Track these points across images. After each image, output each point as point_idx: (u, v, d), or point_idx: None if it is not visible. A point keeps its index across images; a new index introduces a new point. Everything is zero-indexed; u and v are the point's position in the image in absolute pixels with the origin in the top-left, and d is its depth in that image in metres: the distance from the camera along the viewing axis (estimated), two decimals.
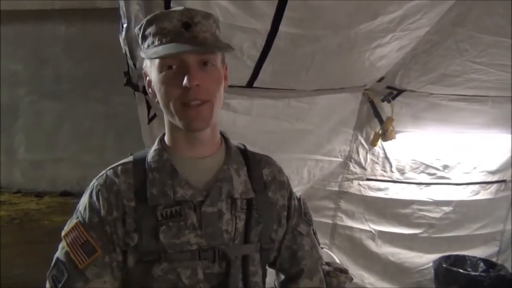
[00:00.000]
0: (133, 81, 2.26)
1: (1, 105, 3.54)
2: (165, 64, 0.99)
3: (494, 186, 3.25)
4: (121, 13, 1.88)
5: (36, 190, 3.68)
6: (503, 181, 3.25)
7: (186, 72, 0.97)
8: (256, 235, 1.11)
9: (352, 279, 2.92)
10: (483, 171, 3.18)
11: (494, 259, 3.38)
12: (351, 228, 3.16)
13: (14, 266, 2.48)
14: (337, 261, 2.99)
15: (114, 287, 1.05)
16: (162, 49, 0.97)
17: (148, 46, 1.01)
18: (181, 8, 1.01)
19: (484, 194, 3.24)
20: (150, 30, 1.00)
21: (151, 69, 1.05)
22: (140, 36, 1.04)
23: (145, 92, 2.35)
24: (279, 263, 1.23)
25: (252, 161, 1.17)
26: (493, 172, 3.20)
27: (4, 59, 3.50)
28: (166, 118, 1.08)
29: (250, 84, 2.26)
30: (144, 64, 1.08)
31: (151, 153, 1.11)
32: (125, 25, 1.92)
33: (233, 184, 1.09)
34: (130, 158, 1.12)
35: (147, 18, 1.01)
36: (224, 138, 1.17)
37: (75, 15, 3.84)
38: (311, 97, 2.49)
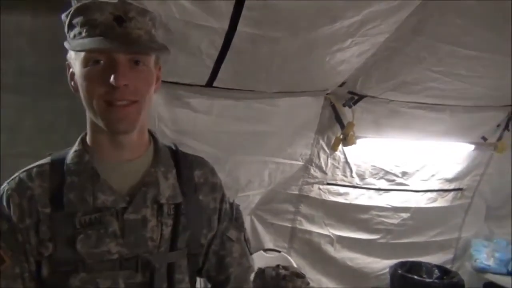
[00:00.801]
0: None
1: None
2: (91, 58, 0.92)
3: (451, 194, 3.31)
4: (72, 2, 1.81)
5: None
6: (460, 189, 3.32)
7: (114, 69, 0.90)
8: (183, 241, 1.06)
9: (308, 283, 2.92)
10: (440, 179, 3.23)
11: (448, 266, 3.44)
12: (310, 232, 3.15)
13: None
14: (294, 265, 2.99)
15: None
16: (89, 42, 0.90)
17: (74, 36, 0.94)
18: (115, 0, 0.94)
19: (441, 202, 3.29)
20: (78, 19, 0.93)
21: (75, 62, 0.97)
22: (66, 24, 0.96)
23: None
24: (206, 269, 1.18)
25: (182, 163, 1.11)
26: (450, 180, 3.26)
27: None
28: (88, 116, 1.01)
29: (209, 84, 2.22)
30: (69, 55, 1.00)
31: (70, 154, 1.03)
32: None
33: (160, 189, 1.03)
34: (48, 159, 1.04)
35: (76, 5, 0.94)
36: (153, 138, 1.11)
37: (41, 6, 3.70)
38: (273, 99, 2.47)
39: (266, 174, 2.84)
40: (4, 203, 0.97)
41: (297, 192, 3.06)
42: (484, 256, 3.29)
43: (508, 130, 3.07)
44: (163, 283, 1.01)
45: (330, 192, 3.07)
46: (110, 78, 0.90)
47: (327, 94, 2.68)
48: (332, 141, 2.88)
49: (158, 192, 1.02)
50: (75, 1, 1.78)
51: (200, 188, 1.12)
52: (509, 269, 3.23)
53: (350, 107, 2.69)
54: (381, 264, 3.33)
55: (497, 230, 3.52)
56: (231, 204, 1.21)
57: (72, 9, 0.95)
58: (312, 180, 3.02)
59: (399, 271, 3.15)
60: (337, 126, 2.84)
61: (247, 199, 2.83)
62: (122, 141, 1.00)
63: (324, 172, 3.00)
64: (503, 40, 2.06)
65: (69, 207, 0.96)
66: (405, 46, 2.17)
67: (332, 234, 3.17)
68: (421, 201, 3.24)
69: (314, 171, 2.99)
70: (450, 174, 3.24)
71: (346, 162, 3.00)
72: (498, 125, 3.09)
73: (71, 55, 0.99)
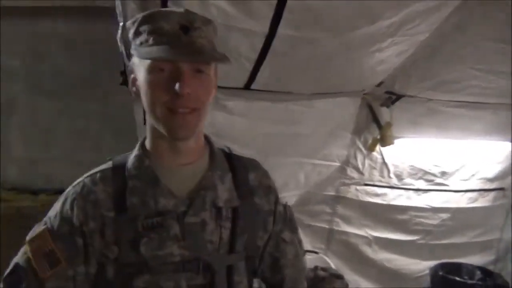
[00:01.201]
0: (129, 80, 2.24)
1: None
2: (157, 66, 0.94)
3: (492, 193, 3.23)
4: (118, 11, 1.86)
5: (32, 188, 3.65)
6: (501, 189, 3.23)
7: (178, 78, 0.92)
8: (241, 244, 1.07)
9: (347, 285, 2.91)
10: (481, 179, 3.16)
11: (490, 268, 3.35)
12: (347, 233, 3.14)
13: (8, 264, 2.45)
14: (333, 266, 2.98)
15: None
16: (157, 51, 0.92)
17: (141, 43, 0.95)
18: (181, 9, 0.96)
19: (482, 202, 3.22)
20: (146, 27, 0.95)
21: (139, 68, 0.99)
22: (133, 31, 0.98)
23: None
24: (261, 271, 1.19)
25: (237, 166, 1.13)
26: (491, 180, 3.18)
27: (2, 55, 3.47)
28: (149, 122, 1.03)
29: (247, 86, 2.24)
30: (131, 62, 1.03)
31: (131, 159, 1.05)
32: (121, 24, 1.91)
33: (217, 192, 1.04)
34: (109, 164, 1.07)
35: (144, 14, 0.96)
36: (208, 142, 1.13)
37: (75, 12, 3.81)
38: (309, 101, 2.47)
39: (302, 175, 2.84)
40: (68, 206, 1.01)
41: (333, 193, 3.05)
42: None
43: None
44: (223, 285, 1.03)
45: (367, 193, 3.05)
46: (174, 86, 0.92)
47: (364, 94, 2.67)
48: (369, 142, 2.86)
49: (216, 196, 1.04)
50: (120, 9, 1.84)
51: (255, 191, 1.13)
52: None
53: (388, 107, 2.67)
54: (421, 266, 3.27)
55: None
56: (284, 206, 1.22)
57: (139, 17, 0.97)
58: (348, 181, 3.01)
59: (440, 273, 3.09)
60: (374, 126, 2.82)
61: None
62: (180, 146, 1.02)
63: (361, 173, 2.98)
64: None
65: (132, 211, 0.99)
66: (445, 44, 2.14)
67: (370, 235, 3.15)
68: (461, 201, 3.18)
69: (350, 172, 2.98)
70: (491, 174, 3.17)
71: (384, 162, 2.97)
72: None
73: (135, 61, 1.01)
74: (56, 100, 3.59)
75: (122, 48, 2.10)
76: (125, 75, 2.27)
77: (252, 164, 1.17)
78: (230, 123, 2.36)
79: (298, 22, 1.77)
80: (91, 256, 0.99)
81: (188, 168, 1.05)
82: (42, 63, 3.57)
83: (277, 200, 1.18)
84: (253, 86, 2.23)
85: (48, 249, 0.97)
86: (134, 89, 1.05)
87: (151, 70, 0.95)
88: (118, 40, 2.07)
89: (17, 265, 0.99)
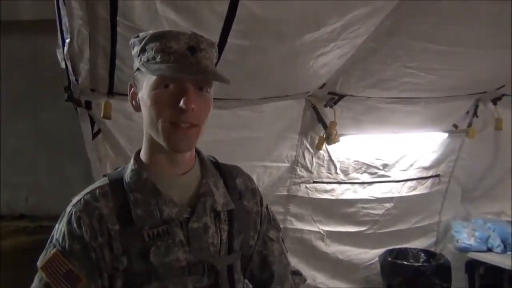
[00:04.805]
0: (75, 96, 2.20)
1: None
2: (163, 82, 0.99)
3: (429, 181, 3.47)
4: (64, 28, 1.83)
5: None
6: (437, 175, 3.48)
7: (183, 94, 0.97)
8: (238, 244, 1.15)
9: (305, 280, 2.98)
10: (419, 168, 3.39)
11: (432, 249, 3.60)
12: (301, 230, 3.25)
13: None
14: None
15: None
16: (166, 68, 0.97)
17: (148, 60, 1.00)
18: (189, 32, 1.02)
19: (421, 189, 3.45)
20: (153, 45, 0.99)
21: (142, 83, 1.03)
22: (139, 47, 1.02)
23: (87, 107, 2.30)
24: (249, 269, 1.25)
25: (225, 173, 1.20)
26: (428, 168, 3.42)
27: None
28: (147, 134, 1.07)
29: None
30: (133, 76, 1.08)
31: (128, 174, 1.08)
32: (67, 40, 1.88)
33: (215, 198, 1.11)
34: (106, 180, 1.09)
35: (153, 32, 1.01)
36: (198, 152, 1.18)
37: (3, 30, 3.65)
38: (257, 106, 2.56)
39: (255, 178, 2.88)
40: (75, 225, 1.02)
41: (285, 193, 3.14)
42: (465, 236, 3.46)
43: (477, 117, 3.26)
44: (226, 284, 1.10)
45: (317, 190, 3.17)
46: (178, 102, 0.97)
47: (308, 96, 2.78)
48: (316, 141, 2.97)
49: (214, 201, 1.11)
50: (66, 26, 1.80)
51: (243, 194, 1.21)
52: (489, 246, 3.41)
53: (331, 107, 2.80)
54: (370, 254, 3.45)
55: (473, 211, 3.72)
56: (267, 207, 1.30)
57: (147, 35, 1.01)
58: (299, 180, 3.11)
59: (389, 259, 3.28)
60: (319, 126, 2.94)
61: None
62: (179, 158, 1.07)
63: (310, 171, 3.10)
64: (471, 34, 2.21)
65: (139, 222, 1.02)
66: (381, 46, 2.28)
67: (322, 230, 3.28)
68: (402, 190, 3.39)
69: (300, 171, 3.08)
70: (427, 162, 3.40)
71: (330, 159, 3.10)
72: (467, 112, 3.27)
73: (137, 76, 1.06)
74: None
75: (67, 64, 2.06)
76: (70, 91, 2.22)
77: (236, 170, 1.25)
78: None
79: (247, 31, 1.84)
80: (103, 270, 1.01)
81: (185, 177, 1.10)
82: None
83: (261, 202, 1.27)
84: None
85: (65, 270, 0.99)
86: (133, 102, 1.09)
87: (156, 86, 1.00)
88: (62, 55, 2.04)
89: None
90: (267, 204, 1.30)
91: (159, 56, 0.99)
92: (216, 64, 1.10)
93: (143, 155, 1.11)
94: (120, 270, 1.01)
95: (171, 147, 1.02)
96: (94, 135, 2.44)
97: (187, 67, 0.98)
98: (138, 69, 1.05)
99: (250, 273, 1.26)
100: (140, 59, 1.02)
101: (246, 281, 1.28)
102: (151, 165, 1.09)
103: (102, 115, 2.23)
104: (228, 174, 1.20)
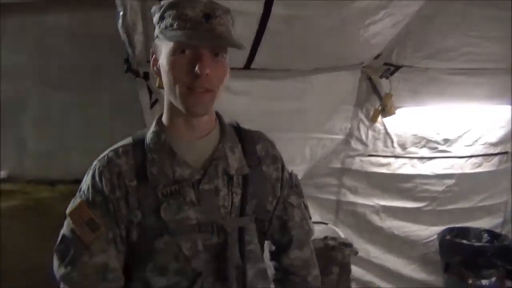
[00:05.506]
0: (133, 67, 2.33)
1: (7, 97, 3.61)
2: (179, 48, 1.04)
3: (497, 158, 3.27)
4: (117, 2, 1.93)
5: (49, 179, 3.77)
6: (505, 152, 3.27)
7: (198, 60, 1.01)
8: (251, 208, 1.18)
9: (357, 252, 3.00)
10: (484, 144, 3.20)
11: (498, 230, 3.42)
12: (355, 203, 3.22)
13: (28, 253, 2.59)
14: (342, 235, 3.07)
15: (117, 259, 1.12)
16: (181, 34, 1.01)
17: (166, 27, 1.05)
18: None
19: (487, 166, 3.26)
20: (171, 12, 1.04)
21: (161, 49, 1.09)
22: (158, 15, 1.07)
23: (145, 78, 2.42)
24: (270, 233, 1.29)
25: (245, 138, 1.23)
26: (495, 144, 3.22)
27: (7, 51, 3.55)
28: (167, 99, 1.13)
29: (247, 66, 2.31)
30: (154, 43, 1.12)
31: (149, 135, 1.16)
32: (121, 13, 1.98)
33: (229, 162, 1.15)
34: (130, 140, 1.18)
35: (170, 0, 1.05)
36: (219, 117, 1.22)
37: (77, 5, 3.87)
38: (309, 77, 2.53)
39: (308, 150, 2.91)
40: (97, 179, 1.12)
41: (339, 166, 3.12)
42: None
43: None
44: (235, 244, 1.14)
45: (372, 164, 3.12)
46: (194, 67, 1.01)
47: (363, 67, 2.72)
48: (371, 113, 2.91)
49: (227, 165, 1.15)
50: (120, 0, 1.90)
51: (262, 160, 1.23)
52: None
53: (387, 78, 2.72)
54: (428, 232, 3.35)
55: None
56: (290, 174, 1.33)
57: (165, 3, 1.07)
58: (353, 153, 3.08)
59: (448, 237, 3.17)
60: (375, 98, 2.87)
61: None
62: (195, 122, 1.13)
63: (365, 144, 3.05)
64: None
65: (152, 180, 1.10)
66: (439, 13, 2.18)
67: (377, 204, 3.23)
68: (465, 167, 3.23)
69: (355, 144, 3.05)
70: (494, 138, 3.20)
71: (387, 133, 3.03)
72: None
73: (157, 43, 1.11)
74: (65, 93, 3.68)
75: (124, 37, 2.18)
76: (128, 63, 2.35)
77: (259, 136, 1.28)
78: (233, 103, 2.41)
79: (291, 1, 1.84)
80: (120, 221, 1.11)
81: (202, 141, 1.15)
82: (49, 58, 3.66)
83: (283, 168, 1.29)
84: (252, 66, 2.30)
85: (88, 218, 1.09)
86: (154, 68, 1.15)
87: (173, 52, 1.05)
88: (120, 29, 2.15)
89: (63, 235, 1.12)
90: (292, 171, 1.33)
91: (176, 23, 1.03)
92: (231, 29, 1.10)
93: (164, 119, 1.17)
94: (135, 223, 1.10)
95: (187, 111, 1.07)
96: (152, 105, 2.57)
97: (201, 34, 1.01)
98: (157, 36, 1.10)
99: (271, 236, 1.31)
100: (159, 26, 1.07)
101: (269, 242, 1.33)
102: (170, 129, 1.15)
103: (157, 85, 2.34)
104: (248, 140, 1.23)
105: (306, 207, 1.34)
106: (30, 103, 3.85)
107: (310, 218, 1.35)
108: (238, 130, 1.25)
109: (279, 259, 1.33)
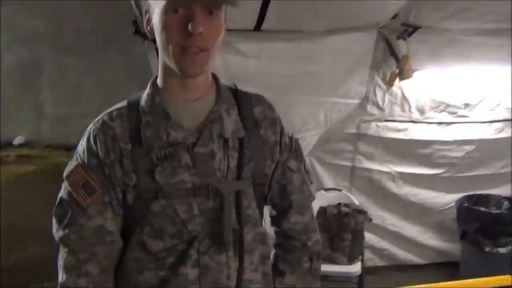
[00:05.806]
0: (141, 30, 2.29)
1: (24, 63, 3.66)
2: (171, 7, 1.00)
3: None
4: None
5: (65, 144, 3.84)
6: None
7: (191, 18, 0.98)
8: (248, 172, 1.15)
9: (371, 219, 2.97)
10: (507, 108, 3.09)
11: None
12: (370, 170, 3.17)
13: (45, 218, 2.65)
14: (356, 202, 3.04)
15: (114, 222, 1.12)
16: None
17: None
18: None
19: (508, 132, 3.16)
20: None
21: (154, 9, 1.05)
22: None
23: (154, 41, 2.38)
24: (269, 198, 1.27)
25: (243, 101, 1.19)
26: None
27: (23, 17, 3.58)
28: (161, 60, 1.10)
29: (258, 28, 2.25)
30: (147, 3, 1.08)
31: (143, 97, 1.13)
32: None
33: (224, 124, 1.12)
34: (125, 103, 1.15)
35: None
36: (215, 79, 1.19)
37: None
38: (322, 38, 2.46)
39: (322, 114, 2.85)
40: (92, 142, 1.11)
41: (354, 131, 3.06)
42: None
43: None
44: (231, 208, 1.13)
45: (388, 129, 3.05)
46: (187, 26, 0.97)
47: (379, 28, 2.62)
48: (388, 76, 2.82)
49: (223, 128, 1.12)
50: None
51: (260, 123, 1.20)
52: None
53: (404, 39, 2.61)
54: (446, 199, 3.30)
55: None
56: (290, 138, 1.28)
57: None
58: (369, 118, 3.01)
59: (466, 204, 3.11)
60: (392, 61, 2.78)
61: (304, 141, 2.86)
62: (190, 83, 1.09)
63: (381, 109, 2.97)
64: None
65: (147, 143, 1.08)
66: None
67: (393, 170, 3.17)
68: (486, 132, 3.13)
69: (370, 109, 2.97)
70: None
71: (404, 97, 2.94)
72: None
73: (150, 3, 1.07)
74: (81, 58, 3.70)
75: None
76: (137, 25, 2.31)
77: (257, 99, 1.23)
78: (244, 65, 2.39)
79: None
80: (115, 184, 1.10)
81: (197, 103, 1.12)
82: (63, 23, 3.66)
83: (282, 132, 1.25)
84: (263, 27, 2.24)
85: (84, 181, 1.09)
86: (148, 28, 1.11)
87: (166, 11, 1.00)
88: None
89: (61, 198, 1.13)
90: (292, 134, 1.29)
91: None
92: None
93: (159, 80, 1.14)
94: (130, 186, 1.09)
95: (181, 71, 1.04)
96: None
97: None
98: None
99: (271, 201, 1.28)
100: None
101: (269, 207, 1.31)
102: (165, 90, 1.12)
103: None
104: (245, 102, 1.19)
105: (307, 171, 1.31)
106: (46, 68, 3.89)
107: (312, 183, 1.32)
108: (235, 92, 1.21)
109: (279, 224, 1.30)
